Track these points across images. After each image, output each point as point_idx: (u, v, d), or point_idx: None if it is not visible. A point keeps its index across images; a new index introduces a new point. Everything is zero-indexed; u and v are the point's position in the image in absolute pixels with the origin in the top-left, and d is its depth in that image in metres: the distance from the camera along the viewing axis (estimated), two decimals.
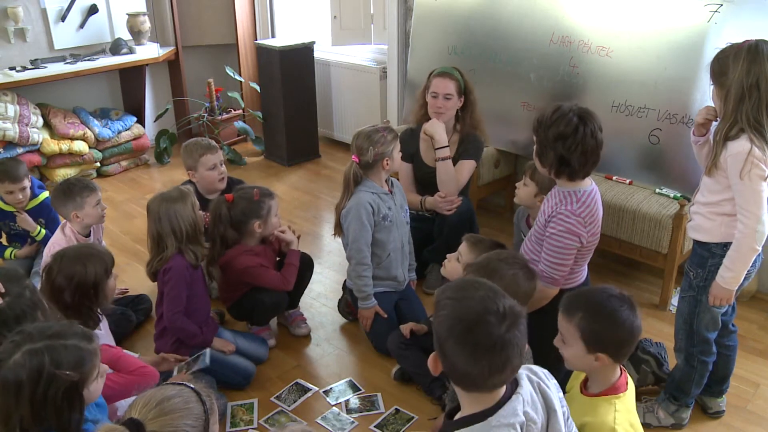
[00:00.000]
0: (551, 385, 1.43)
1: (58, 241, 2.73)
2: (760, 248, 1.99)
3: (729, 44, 2.02)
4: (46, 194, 3.27)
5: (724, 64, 1.96)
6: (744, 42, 1.94)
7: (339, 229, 2.78)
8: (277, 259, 2.85)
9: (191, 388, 1.40)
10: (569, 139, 2.09)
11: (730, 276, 2.03)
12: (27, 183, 3.16)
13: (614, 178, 3.25)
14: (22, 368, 1.48)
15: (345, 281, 2.98)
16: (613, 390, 1.71)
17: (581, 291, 1.81)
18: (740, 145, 1.92)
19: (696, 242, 2.18)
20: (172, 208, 2.45)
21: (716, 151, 1.99)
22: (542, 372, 1.44)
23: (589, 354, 1.70)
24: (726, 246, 2.07)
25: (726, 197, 2.04)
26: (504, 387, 1.34)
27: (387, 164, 2.68)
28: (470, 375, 1.28)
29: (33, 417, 1.49)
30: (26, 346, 1.51)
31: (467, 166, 3.06)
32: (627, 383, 1.75)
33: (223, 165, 3.08)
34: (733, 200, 2.03)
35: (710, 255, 2.12)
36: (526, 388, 1.36)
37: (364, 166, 2.67)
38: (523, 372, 1.40)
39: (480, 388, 1.31)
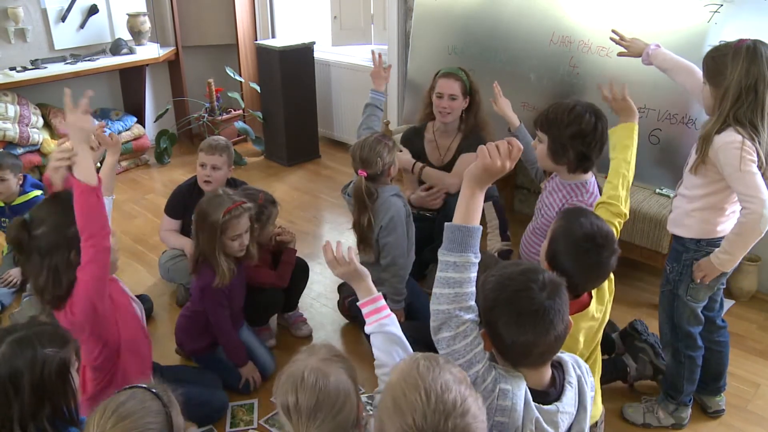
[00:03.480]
0: (589, 382, 1.48)
1: None
2: (763, 233, 1.96)
3: (723, 42, 2.02)
4: (36, 193, 3.29)
5: (721, 63, 1.96)
6: (740, 41, 1.94)
7: (367, 246, 2.68)
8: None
9: (143, 387, 1.39)
10: (589, 136, 2.17)
11: (726, 258, 2.03)
12: (8, 176, 3.17)
13: None
14: (16, 357, 1.49)
15: (342, 283, 2.99)
16: None
17: (580, 219, 1.78)
18: (728, 136, 1.93)
19: (673, 237, 2.22)
20: (203, 215, 2.41)
21: (704, 149, 1.99)
22: (585, 367, 1.51)
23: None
24: (699, 242, 2.10)
25: (710, 190, 2.06)
26: (549, 369, 1.42)
27: (392, 171, 2.69)
28: (517, 344, 1.35)
29: (36, 405, 1.50)
30: (8, 338, 1.52)
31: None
32: (576, 309, 1.77)
33: (217, 170, 2.96)
34: (716, 193, 2.05)
35: (684, 249, 2.15)
36: (573, 376, 1.44)
37: (372, 178, 2.63)
38: (569, 360, 1.47)
39: (527, 359, 1.38)
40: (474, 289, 1.44)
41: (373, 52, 3.19)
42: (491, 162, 1.42)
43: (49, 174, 2.02)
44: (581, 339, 1.83)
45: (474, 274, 1.43)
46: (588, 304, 1.82)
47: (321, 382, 1.37)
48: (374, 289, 1.64)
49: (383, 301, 1.64)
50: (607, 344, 2.61)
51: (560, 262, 1.75)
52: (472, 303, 1.43)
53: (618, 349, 2.63)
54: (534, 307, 1.33)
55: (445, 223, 1.45)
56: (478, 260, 1.44)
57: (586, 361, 1.87)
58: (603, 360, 2.50)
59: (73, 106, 1.83)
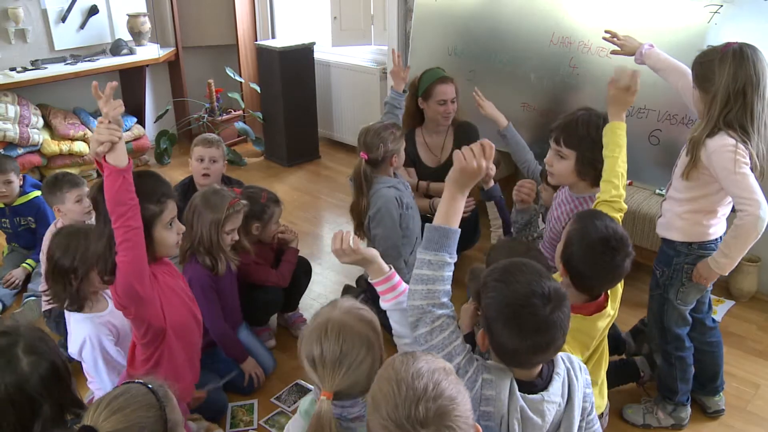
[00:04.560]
0: (580, 378, 1.50)
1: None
2: (760, 234, 1.96)
3: (710, 47, 2.02)
4: (36, 193, 3.31)
5: (708, 69, 1.96)
6: (726, 45, 1.94)
7: (362, 231, 2.77)
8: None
9: (139, 382, 1.41)
10: None
11: (725, 261, 2.03)
12: (13, 178, 3.21)
13: None
14: (43, 356, 1.54)
15: (346, 286, 2.99)
16: (575, 309, 1.74)
17: (594, 222, 1.81)
18: (721, 139, 1.93)
19: (663, 240, 2.22)
20: (201, 209, 2.42)
21: (696, 154, 1.99)
22: (578, 363, 1.52)
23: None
24: (691, 245, 2.11)
25: (701, 193, 2.06)
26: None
27: (395, 161, 2.69)
28: (516, 354, 1.38)
29: (69, 389, 1.58)
30: (16, 349, 1.55)
31: None
32: (595, 310, 1.81)
33: (215, 162, 2.96)
34: (707, 196, 2.05)
35: (675, 253, 2.16)
36: (562, 368, 1.46)
37: (372, 163, 2.66)
38: (561, 354, 1.49)
39: (522, 366, 1.41)
40: (449, 287, 1.48)
41: (393, 51, 3.24)
42: (468, 164, 1.46)
43: (93, 152, 1.87)
44: (596, 335, 1.86)
45: (449, 274, 1.48)
46: (605, 305, 1.84)
47: (344, 334, 1.42)
48: (386, 267, 1.64)
49: (397, 277, 1.64)
50: (616, 343, 2.61)
51: (575, 265, 1.77)
52: (446, 300, 1.47)
53: (629, 347, 2.64)
54: (537, 324, 1.34)
55: (426, 224, 1.51)
56: (453, 261, 1.48)
57: (593, 353, 1.91)
58: (616, 362, 2.52)
59: (102, 96, 1.83)
